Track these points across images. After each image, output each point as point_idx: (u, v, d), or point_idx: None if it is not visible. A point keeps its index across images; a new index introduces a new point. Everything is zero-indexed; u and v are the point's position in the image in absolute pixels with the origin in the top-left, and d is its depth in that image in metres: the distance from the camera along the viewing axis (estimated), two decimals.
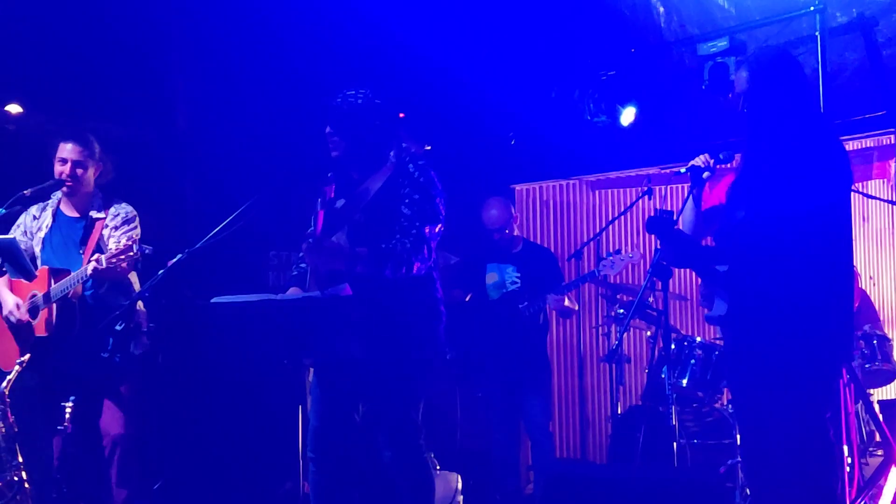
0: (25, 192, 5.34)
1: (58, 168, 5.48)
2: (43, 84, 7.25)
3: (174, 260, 4.88)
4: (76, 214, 5.56)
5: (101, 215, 5.51)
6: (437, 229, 4.59)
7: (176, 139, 8.06)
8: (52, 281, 5.31)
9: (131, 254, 4.97)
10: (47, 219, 5.58)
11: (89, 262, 5.11)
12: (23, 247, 5.51)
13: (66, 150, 5.48)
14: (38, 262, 5.50)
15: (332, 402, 4.65)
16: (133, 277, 5.47)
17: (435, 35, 7.39)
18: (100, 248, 5.39)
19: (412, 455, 4.59)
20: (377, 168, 4.65)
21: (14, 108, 7.36)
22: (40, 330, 5.31)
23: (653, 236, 8.32)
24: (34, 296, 5.35)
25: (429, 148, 8.05)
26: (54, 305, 5.28)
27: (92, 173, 5.55)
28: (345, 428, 4.66)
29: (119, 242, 5.30)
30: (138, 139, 7.47)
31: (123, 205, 5.60)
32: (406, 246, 4.46)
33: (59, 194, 5.60)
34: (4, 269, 5.18)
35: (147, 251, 5.00)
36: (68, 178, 5.46)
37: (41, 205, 5.63)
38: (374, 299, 4.47)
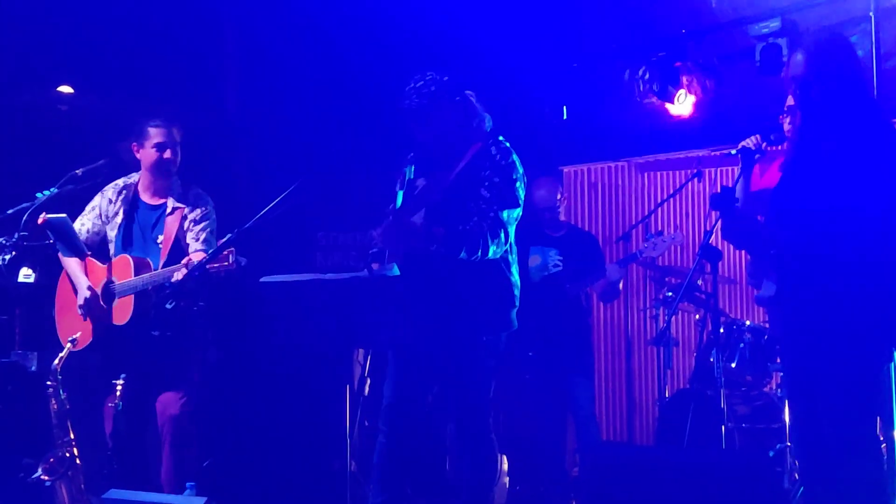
0: (77, 171, 5.38)
1: (154, 154, 5.46)
2: (94, 65, 7.31)
3: (224, 239, 4.91)
4: (154, 201, 5.56)
5: (181, 205, 5.50)
6: (515, 214, 4.59)
7: (226, 121, 8.11)
8: (134, 272, 5.30)
9: (226, 264, 4.91)
10: (125, 204, 5.57)
11: (180, 267, 5.08)
12: (95, 230, 5.56)
13: (165, 133, 5.48)
14: (112, 246, 5.52)
15: (406, 380, 4.73)
16: None
17: (484, 15, 7.38)
18: (177, 241, 5.40)
19: (481, 434, 4.66)
20: (461, 150, 4.68)
21: (66, 89, 7.42)
22: (119, 319, 5.32)
23: (703, 219, 8.31)
24: (112, 283, 5.38)
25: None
26: (133, 297, 5.29)
27: (177, 158, 5.55)
28: (418, 406, 4.77)
29: (198, 238, 5.33)
30: (188, 120, 7.51)
31: (202, 194, 5.58)
32: (483, 229, 4.47)
33: (135, 176, 5.62)
34: (57, 246, 5.24)
35: (243, 263, 4.98)
36: (171, 161, 5.48)
37: (116, 188, 5.61)
38: (449, 280, 4.52)
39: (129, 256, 5.37)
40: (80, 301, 5.39)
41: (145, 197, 5.59)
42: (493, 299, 4.63)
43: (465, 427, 4.68)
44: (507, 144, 4.70)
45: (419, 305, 4.57)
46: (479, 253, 4.47)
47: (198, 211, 5.51)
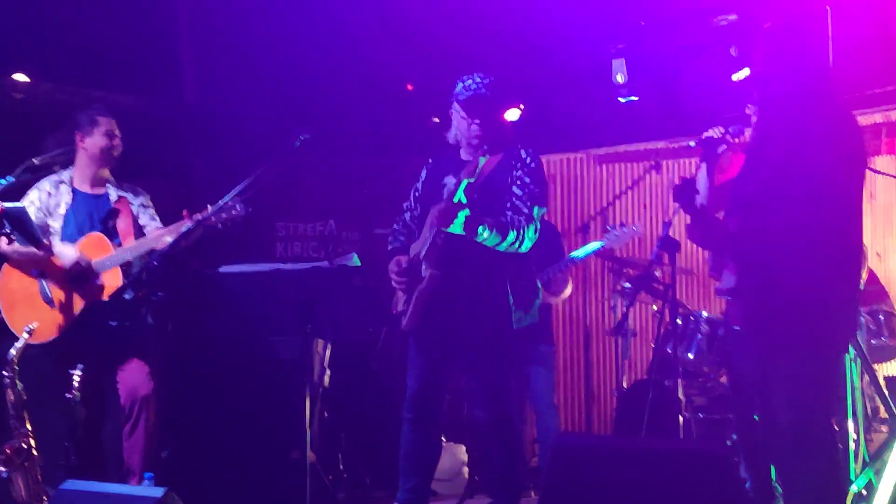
0: (34, 160, 5.35)
1: (102, 141, 5.58)
2: (50, 52, 7.25)
3: (184, 229, 4.90)
4: (93, 190, 5.62)
5: (123, 194, 5.57)
6: (542, 213, 4.93)
7: (183, 108, 8.06)
8: (112, 247, 5.40)
9: (236, 214, 5.07)
10: (65, 195, 5.59)
11: (191, 216, 5.16)
12: (39, 223, 5.54)
13: (112, 123, 5.61)
14: (58, 237, 5.52)
15: (432, 368, 5.01)
16: None
17: (451, 5, 7.39)
18: (136, 225, 5.53)
19: (509, 419, 4.99)
20: (496, 149, 4.96)
21: (21, 77, 7.34)
22: (108, 292, 5.37)
23: (661, 211, 8.36)
24: (86, 262, 5.38)
25: (437, 121, 8.02)
26: (118, 269, 5.34)
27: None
28: (441, 392, 5.05)
29: (154, 218, 5.39)
30: (146, 108, 7.47)
31: (137, 187, 5.71)
32: (521, 222, 4.81)
33: (66, 173, 5.63)
34: (13, 236, 5.20)
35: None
36: (117, 148, 5.60)
37: (53, 181, 5.63)
38: (486, 271, 4.83)
39: (100, 234, 5.44)
40: (69, 264, 5.40)
41: (83, 188, 5.65)
42: (521, 291, 4.93)
43: (492, 413, 4.93)
44: (532, 149, 5.02)
45: (448, 295, 4.84)
46: (518, 244, 4.80)
47: (142, 198, 5.67)
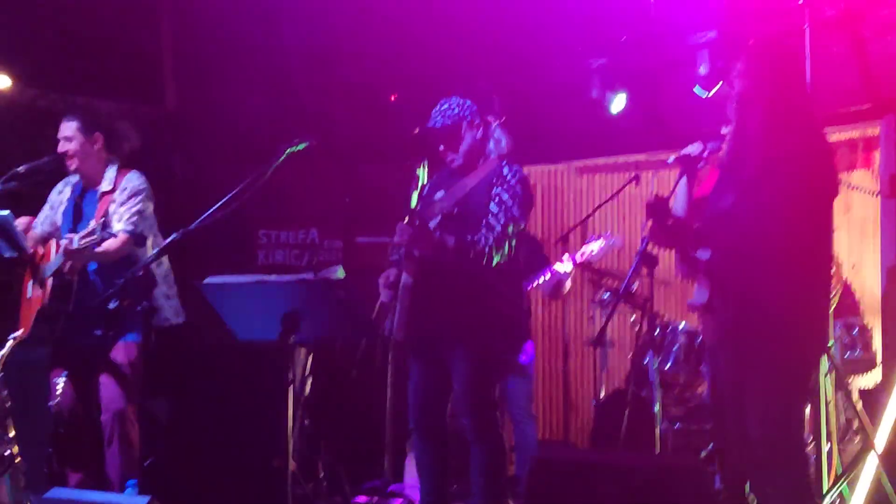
0: (19, 168, 5.37)
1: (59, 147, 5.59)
2: (34, 59, 7.26)
3: (168, 240, 4.92)
4: (91, 188, 5.65)
5: (109, 188, 5.57)
6: (519, 228, 4.99)
7: (165, 114, 8.08)
8: (55, 252, 5.43)
9: (93, 237, 5.03)
10: (67, 193, 5.68)
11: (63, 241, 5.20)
12: (49, 221, 5.68)
13: (62, 128, 5.59)
14: (60, 233, 5.60)
15: (424, 376, 5.13)
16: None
17: (434, 16, 7.44)
18: (106, 223, 5.43)
19: (493, 428, 5.09)
20: (476, 168, 5.07)
21: (4, 83, 7.35)
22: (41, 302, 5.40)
23: (639, 222, 8.42)
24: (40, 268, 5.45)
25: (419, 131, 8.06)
26: (50, 279, 5.32)
27: (85, 146, 5.58)
28: (438, 399, 5.15)
29: (121, 219, 5.37)
30: (128, 114, 7.48)
31: (133, 177, 5.62)
32: (489, 241, 4.86)
33: None
34: None
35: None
36: (63, 153, 5.55)
37: (66, 181, 5.75)
38: (464, 287, 4.91)
39: (54, 241, 5.50)
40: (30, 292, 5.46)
41: (86, 185, 5.69)
42: (502, 306, 5.03)
43: (475, 421, 5.04)
44: (517, 167, 5.07)
45: (427, 305, 4.91)
46: (484, 262, 4.85)
47: (125, 192, 5.57)
